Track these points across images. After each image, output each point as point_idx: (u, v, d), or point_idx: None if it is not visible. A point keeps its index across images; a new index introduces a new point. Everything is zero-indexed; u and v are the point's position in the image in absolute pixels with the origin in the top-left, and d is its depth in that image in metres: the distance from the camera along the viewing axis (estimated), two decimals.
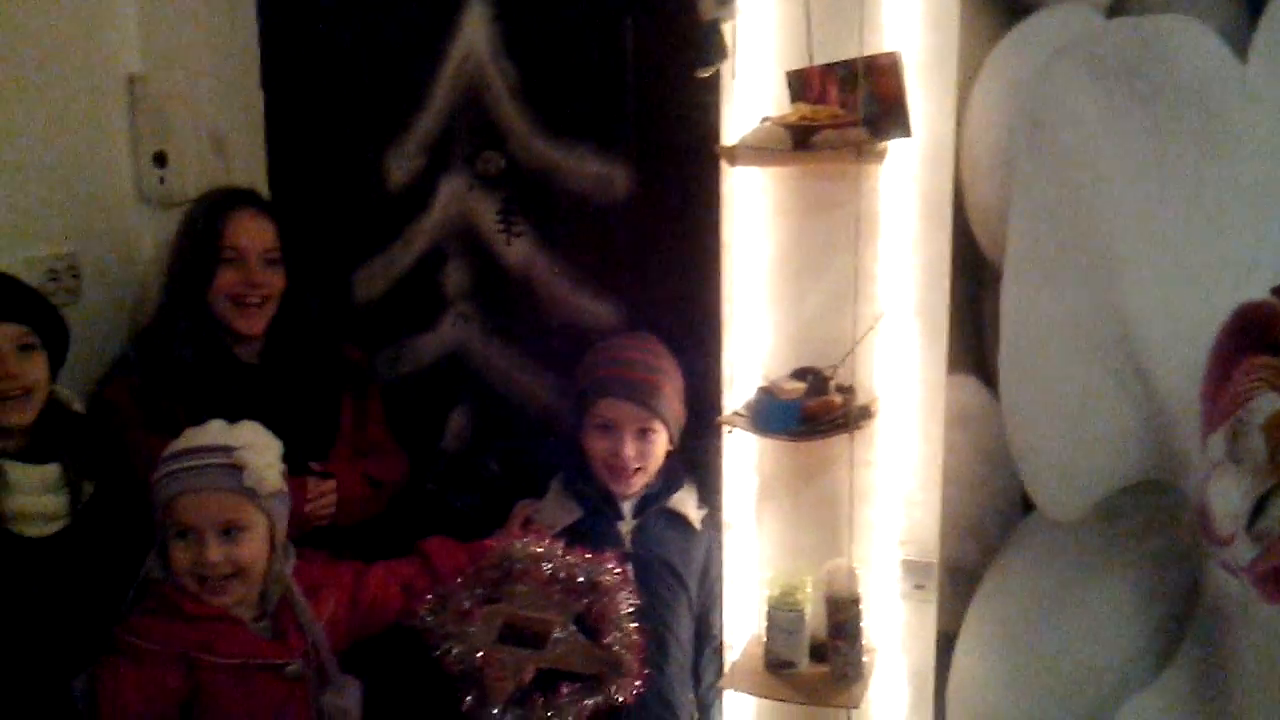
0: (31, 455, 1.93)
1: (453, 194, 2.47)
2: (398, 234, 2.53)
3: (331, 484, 2.22)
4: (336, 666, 1.95)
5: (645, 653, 2.01)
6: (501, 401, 2.53)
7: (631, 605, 2.00)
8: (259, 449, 1.88)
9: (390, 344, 2.57)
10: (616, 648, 1.97)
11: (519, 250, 2.45)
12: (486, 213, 2.45)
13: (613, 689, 1.97)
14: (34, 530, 1.91)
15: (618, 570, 2.02)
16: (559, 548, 2.02)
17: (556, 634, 1.96)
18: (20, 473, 1.90)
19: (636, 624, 2.00)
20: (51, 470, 1.94)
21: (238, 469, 1.85)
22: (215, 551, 1.83)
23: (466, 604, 1.98)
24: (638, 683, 1.98)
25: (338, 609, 2.00)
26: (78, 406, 2.08)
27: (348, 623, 2.01)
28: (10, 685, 1.87)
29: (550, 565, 1.99)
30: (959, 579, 2.14)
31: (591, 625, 1.99)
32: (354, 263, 2.57)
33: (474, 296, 2.51)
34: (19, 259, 2.12)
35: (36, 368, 1.93)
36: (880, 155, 1.92)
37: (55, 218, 2.27)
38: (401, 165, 2.50)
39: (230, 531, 1.85)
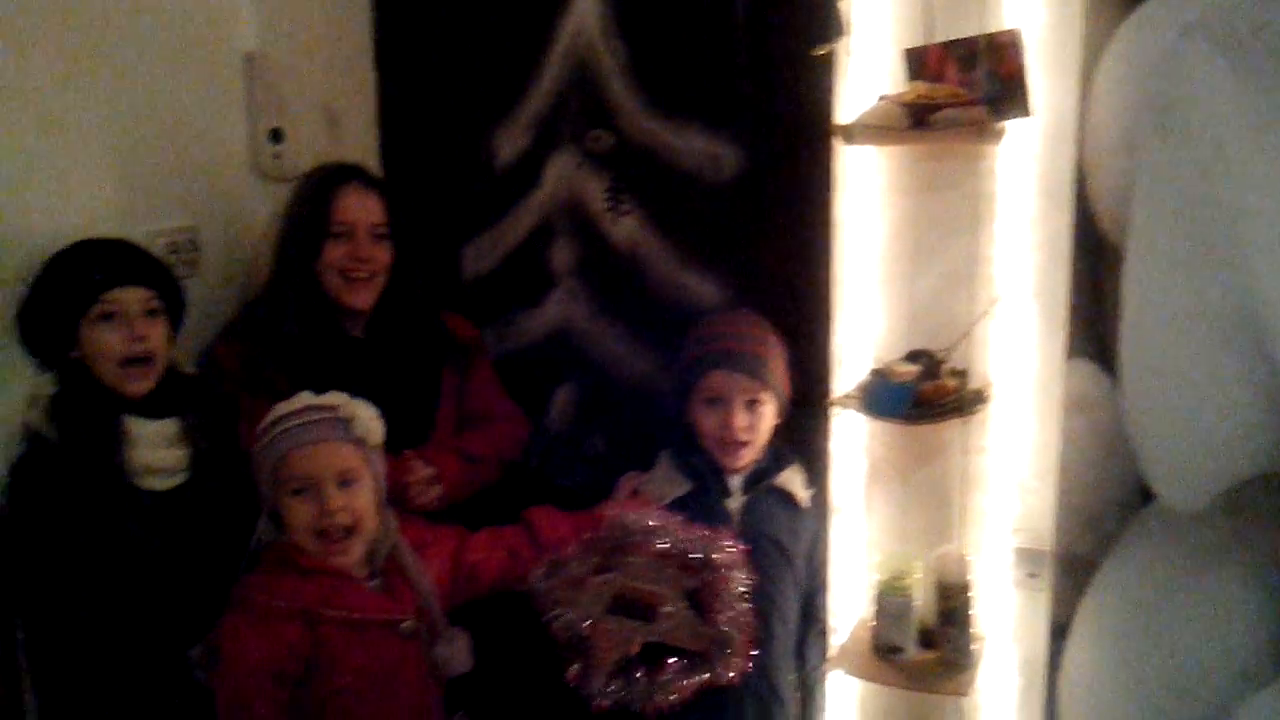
0: (151, 412, 2.00)
1: (561, 172, 2.47)
2: (506, 211, 2.54)
3: (433, 471, 2.24)
4: (445, 621, 1.98)
5: (755, 633, 2.00)
6: (607, 379, 2.53)
7: (745, 584, 1.99)
8: (361, 403, 1.92)
9: (497, 320, 2.58)
10: (726, 626, 1.95)
11: (626, 228, 2.45)
12: (594, 191, 2.45)
13: (718, 668, 1.96)
14: (155, 484, 1.99)
15: (733, 548, 2.01)
16: (675, 522, 2.02)
17: (666, 608, 1.95)
18: (142, 427, 1.98)
19: (749, 604, 1.99)
20: (171, 425, 2.01)
21: (345, 420, 1.89)
22: (336, 500, 1.85)
23: (579, 571, 1.99)
24: (742, 663, 1.96)
25: (440, 570, 2.02)
26: (190, 369, 2.15)
27: (449, 584, 2.03)
28: (133, 636, 1.94)
29: (665, 539, 2.00)
30: (1073, 568, 2.09)
31: (703, 602, 1.98)
32: (463, 239, 2.59)
33: (581, 274, 2.52)
34: (142, 232, 2.17)
35: (159, 332, 2.00)
36: (999, 135, 1.88)
37: (176, 193, 2.32)
38: (511, 142, 2.51)
39: (345, 483, 1.87)
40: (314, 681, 1.84)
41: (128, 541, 1.94)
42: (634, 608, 1.96)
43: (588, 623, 1.95)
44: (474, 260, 2.60)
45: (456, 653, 1.96)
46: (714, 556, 1.98)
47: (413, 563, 1.97)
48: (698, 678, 1.96)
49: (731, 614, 1.96)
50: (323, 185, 2.24)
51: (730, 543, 2.01)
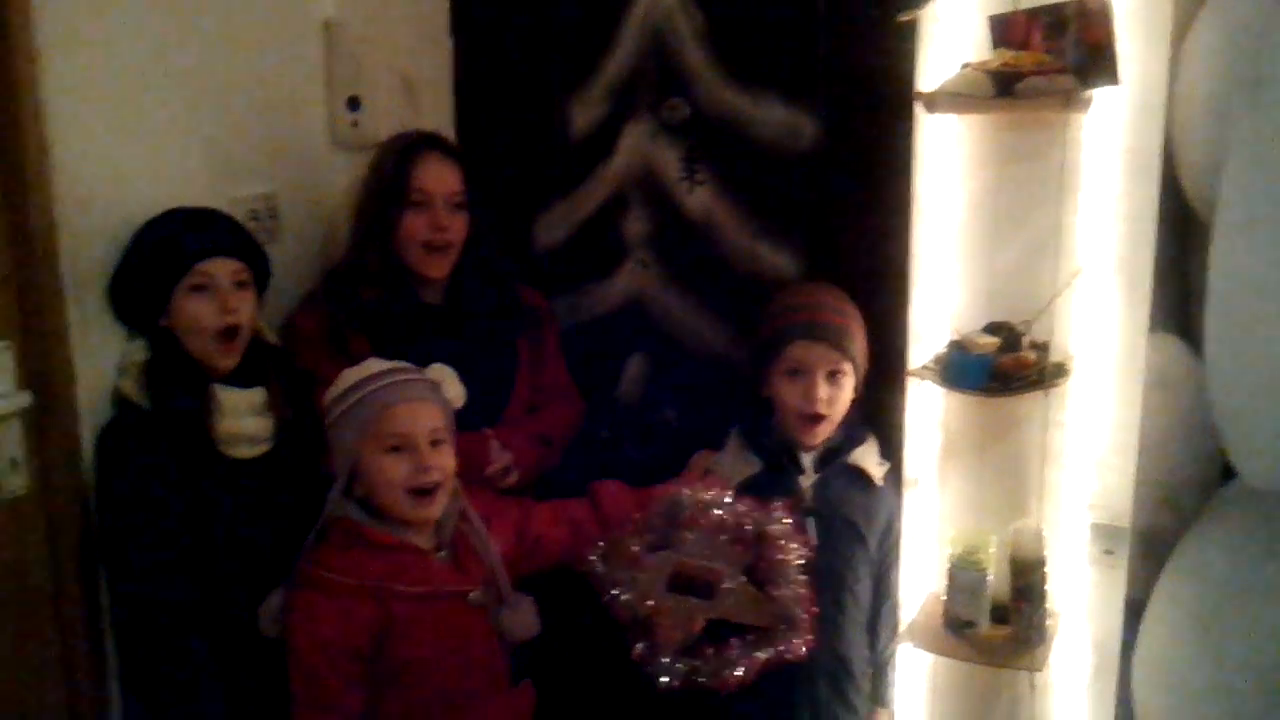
0: (238, 381, 2.04)
1: (636, 141, 2.47)
2: (581, 181, 2.54)
3: (510, 457, 2.26)
4: (511, 589, 1.99)
5: (816, 606, 1.97)
6: (678, 350, 2.53)
7: (801, 556, 1.96)
8: (444, 369, 1.94)
9: (569, 291, 2.59)
10: (787, 601, 1.93)
11: (700, 199, 2.44)
12: (669, 160, 2.45)
13: (783, 643, 1.94)
14: (241, 452, 2.02)
15: (787, 519, 1.98)
16: (727, 495, 1.99)
17: (726, 584, 1.93)
18: (230, 395, 2.01)
19: (806, 576, 1.96)
20: (257, 394, 2.05)
21: (434, 383, 1.91)
22: (430, 458, 1.86)
23: (635, 549, 1.97)
24: (808, 637, 1.95)
25: (505, 541, 2.03)
26: (273, 339, 2.18)
27: (513, 555, 2.03)
28: (213, 600, 1.97)
29: (719, 513, 1.97)
30: (1151, 546, 2.07)
31: (760, 576, 1.96)
32: (536, 209, 2.60)
33: (654, 244, 2.52)
34: (224, 200, 2.20)
35: (247, 304, 2.03)
36: (1086, 104, 1.85)
37: (256, 161, 2.35)
38: (586, 112, 2.51)
39: (435, 443, 1.89)
40: (385, 653, 1.86)
41: (213, 507, 1.98)
42: (694, 584, 1.94)
43: (649, 602, 1.94)
44: (546, 231, 2.61)
45: (523, 618, 1.97)
46: (768, 529, 1.96)
47: (481, 533, 1.98)
48: (764, 654, 1.95)
49: (791, 588, 1.94)
50: (402, 154, 2.26)
51: (783, 514, 1.98)
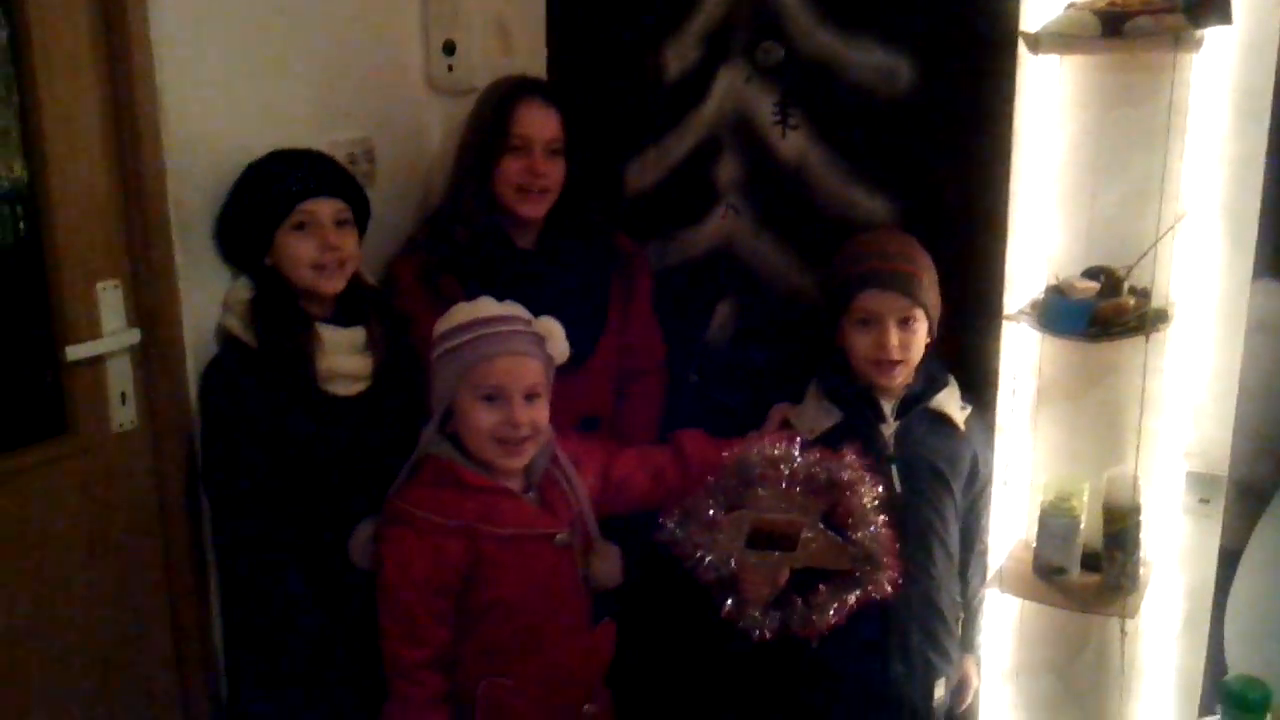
0: (338, 322, 2.08)
1: (730, 85, 2.45)
2: (672, 126, 2.52)
3: None
4: (598, 534, 2.01)
5: (902, 549, 1.97)
6: (768, 296, 2.51)
7: (876, 498, 1.95)
8: (552, 320, 1.94)
9: (659, 236, 2.57)
10: (867, 541, 1.93)
11: (793, 144, 2.42)
12: (763, 105, 2.43)
13: (869, 583, 1.94)
14: (340, 389, 2.07)
15: (857, 465, 1.96)
16: (796, 449, 1.98)
17: (806, 533, 1.93)
18: (333, 334, 2.06)
19: (884, 516, 1.96)
20: (357, 333, 2.09)
21: (541, 338, 1.91)
22: (523, 413, 1.88)
23: (711, 513, 1.97)
24: (893, 575, 1.94)
25: (591, 483, 2.05)
26: (372, 280, 2.22)
27: (597, 498, 2.05)
28: (310, 532, 2.03)
29: (789, 467, 1.96)
30: (1247, 495, 2.05)
31: (838, 522, 1.96)
32: (627, 153, 2.59)
33: (745, 190, 2.50)
34: (323, 143, 2.23)
35: (350, 242, 2.07)
36: (1196, 44, 1.82)
37: (354, 105, 2.38)
38: (680, 56, 2.48)
39: (531, 397, 1.90)
40: (472, 591, 1.90)
41: (313, 442, 2.03)
42: (774, 538, 1.94)
43: (731, 560, 1.94)
44: (637, 176, 2.60)
45: (609, 567, 2.00)
46: (839, 476, 1.95)
47: (571, 476, 2.00)
48: (852, 595, 1.95)
49: (870, 529, 1.93)
50: (504, 99, 2.27)
51: (854, 459, 1.96)
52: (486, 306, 1.94)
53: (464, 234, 2.27)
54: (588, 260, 2.37)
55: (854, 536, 1.93)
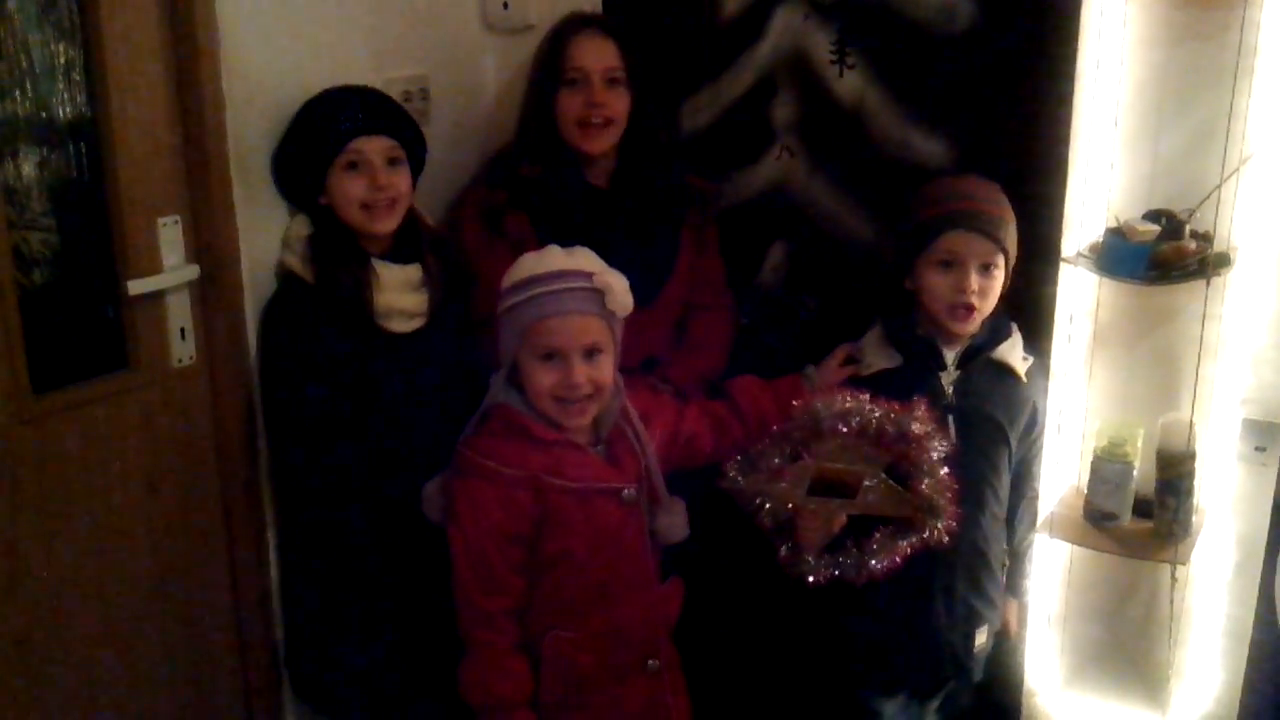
0: (395, 258, 2.09)
1: (787, 23, 2.42)
2: (728, 65, 2.51)
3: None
4: (665, 489, 2.02)
5: (958, 494, 1.96)
6: (822, 238, 2.50)
7: (942, 452, 1.94)
8: (615, 274, 1.91)
9: (714, 176, 2.55)
10: (928, 491, 1.92)
11: (850, 83, 2.39)
12: (820, 43, 2.40)
13: (926, 530, 1.94)
14: (398, 326, 2.08)
15: (928, 419, 1.95)
16: (866, 402, 1.96)
17: (867, 482, 1.93)
18: (389, 271, 2.07)
19: (947, 469, 1.95)
20: (414, 271, 2.10)
21: (600, 293, 1.88)
22: (580, 373, 1.87)
23: (776, 462, 1.97)
24: (952, 523, 1.94)
25: (662, 438, 2.05)
26: (430, 219, 2.22)
27: (666, 453, 2.05)
28: (369, 469, 2.05)
29: (858, 419, 1.95)
30: None
31: (902, 473, 1.95)
32: (683, 93, 2.57)
33: (801, 130, 2.48)
34: (380, 81, 2.24)
35: (402, 180, 2.08)
36: None
37: (410, 43, 2.38)
38: None
39: (591, 354, 1.89)
40: (541, 543, 1.92)
41: (370, 378, 2.05)
42: (835, 487, 1.94)
43: (790, 505, 1.94)
44: (692, 115, 2.58)
45: (674, 520, 2.01)
46: (909, 430, 1.93)
47: (640, 431, 1.99)
48: (906, 541, 1.96)
49: (932, 480, 1.93)
50: (558, 33, 2.27)
51: (924, 413, 1.95)
52: (549, 259, 1.92)
53: (532, 170, 2.27)
54: (661, 199, 2.35)
55: (918, 486, 1.93)
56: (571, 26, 2.27)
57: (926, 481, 1.93)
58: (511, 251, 2.07)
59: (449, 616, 1.94)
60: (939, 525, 1.93)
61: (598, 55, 2.25)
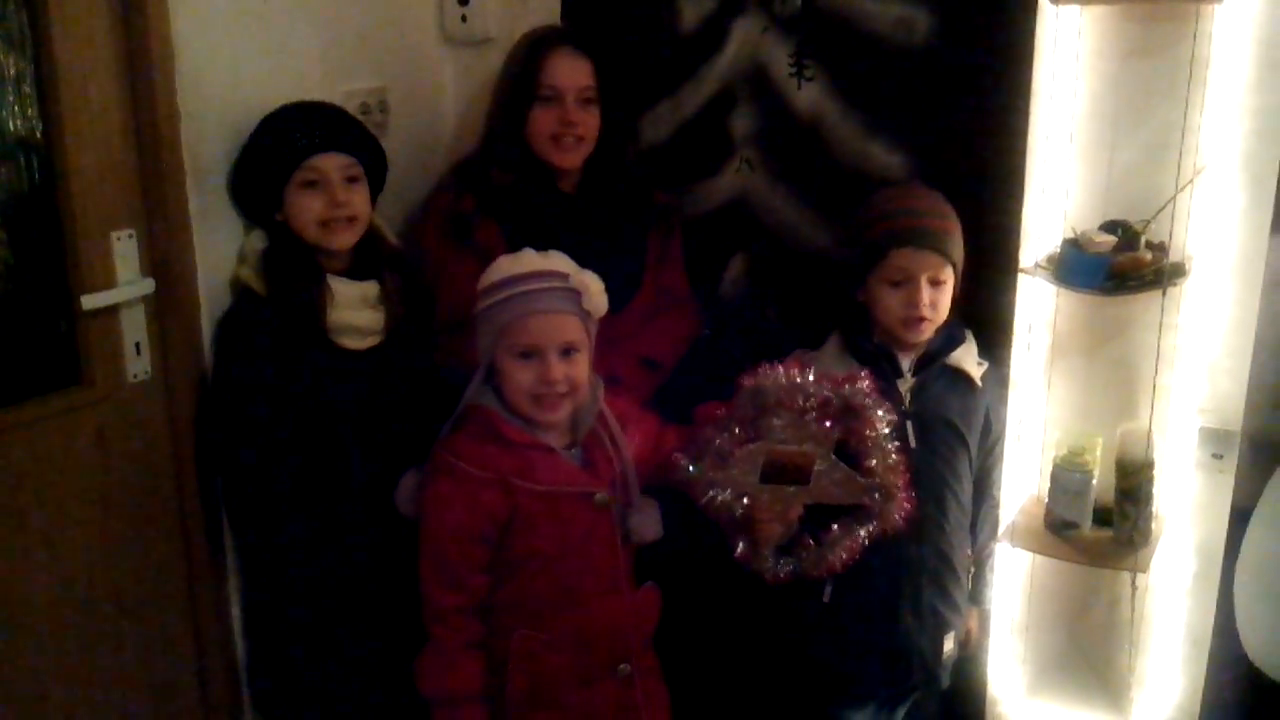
0: (354, 274, 2.08)
1: (746, 36, 2.43)
2: (687, 77, 2.51)
3: None
4: (639, 492, 2.01)
5: (917, 501, 1.97)
6: (783, 250, 2.51)
7: (888, 423, 1.93)
8: (590, 275, 1.92)
9: (675, 188, 2.55)
10: (880, 473, 1.92)
11: (809, 96, 2.40)
12: (779, 56, 2.41)
13: (880, 518, 1.94)
14: (351, 343, 2.07)
15: (869, 387, 1.94)
16: (810, 374, 1.94)
17: (819, 466, 1.92)
18: (343, 287, 2.05)
19: (896, 443, 1.95)
20: (370, 287, 2.09)
21: (576, 293, 1.89)
22: (557, 369, 1.87)
23: (724, 447, 1.95)
24: (905, 506, 1.94)
25: (642, 448, 2.04)
26: (393, 239, 2.21)
27: (646, 465, 2.04)
28: (325, 487, 2.05)
29: (803, 395, 1.92)
30: (1260, 453, 2.05)
31: (851, 450, 1.94)
32: (641, 106, 2.57)
33: (760, 142, 2.48)
34: (337, 94, 2.23)
35: (360, 197, 2.07)
36: None
37: (368, 55, 2.37)
38: (695, 6, 2.46)
39: (568, 352, 1.89)
40: (509, 543, 1.91)
41: (323, 394, 2.04)
42: (787, 472, 1.93)
43: (744, 498, 1.94)
44: (651, 128, 2.58)
45: (647, 521, 1.99)
46: (852, 401, 1.92)
47: (617, 435, 1.99)
48: (864, 530, 1.96)
49: (882, 458, 1.93)
50: (533, 49, 2.26)
51: (867, 384, 1.93)
52: (526, 261, 1.93)
53: (501, 177, 2.26)
54: (626, 210, 2.36)
55: (867, 465, 1.93)
56: (547, 42, 2.26)
57: (876, 460, 1.92)
58: (476, 258, 2.07)
59: (408, 631, 1.94)
60: (890, 508, 1.93)
61: (573, 74, 2.25)
